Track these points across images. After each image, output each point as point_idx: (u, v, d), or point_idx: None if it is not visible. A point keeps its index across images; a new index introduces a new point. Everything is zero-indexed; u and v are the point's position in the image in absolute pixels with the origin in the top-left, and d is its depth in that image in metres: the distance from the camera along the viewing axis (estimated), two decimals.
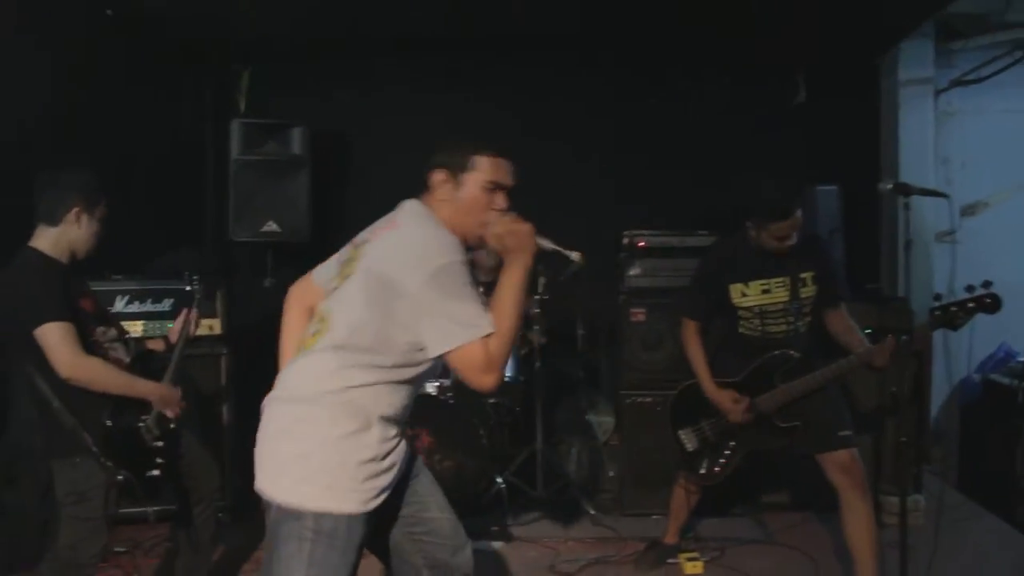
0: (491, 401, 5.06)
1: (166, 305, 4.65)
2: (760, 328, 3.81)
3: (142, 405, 3.22)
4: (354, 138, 6.09)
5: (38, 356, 2.99)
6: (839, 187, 5.54)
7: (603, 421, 5.83)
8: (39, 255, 3.12)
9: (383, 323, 2.26)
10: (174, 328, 3.56)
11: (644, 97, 6.04)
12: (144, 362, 3.40)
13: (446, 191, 2.47)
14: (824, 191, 5.52)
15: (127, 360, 3.27)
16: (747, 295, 3.79)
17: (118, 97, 4.98)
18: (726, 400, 3.82)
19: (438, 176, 2.48)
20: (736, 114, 5.93)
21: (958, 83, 6.02)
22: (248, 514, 4.65)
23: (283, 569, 2.22)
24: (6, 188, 4.03)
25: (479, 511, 4.84)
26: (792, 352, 3.76)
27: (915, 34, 5.82)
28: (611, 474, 5.27)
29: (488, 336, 2.22)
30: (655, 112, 5.99)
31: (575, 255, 2.61)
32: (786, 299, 3.76)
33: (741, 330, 3.85)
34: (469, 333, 2.21)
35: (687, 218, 5.12)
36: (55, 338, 2.96)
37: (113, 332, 3.29)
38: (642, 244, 4.92)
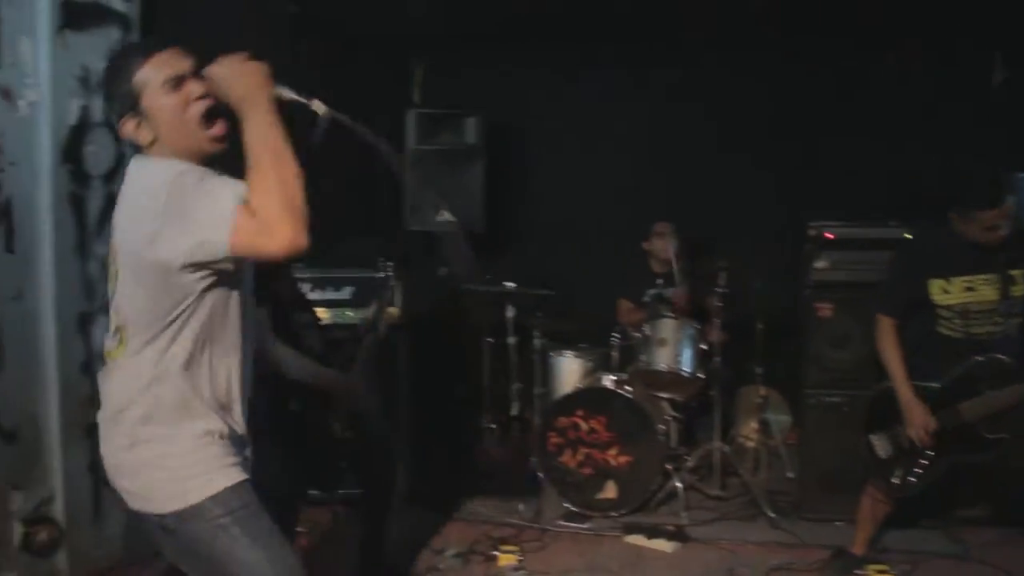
0: (666, 397, 4.94)
1: (346, 293, 4.68)
2: (963, 329, 3.54)
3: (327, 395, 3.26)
4: (529, 128, 6.08)
5: None
6: None
7: (780, 420, 5.62)
8: None
9: (161, 283, 1.99)
10: (368, 317, 3.59)
11: (827, 75, 5.75)
12: (336, 350, 3.43)
13: (144, 132, 2.05)
14: None
15: (319, 348, 3.31)
16: (949, 292, 3.53)
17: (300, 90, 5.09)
18: (919, 414, 3.55)
19: (127, 128, 2.06)
20: (929, 93, 5.57)
21: None
22: (424, 498, 4.72)
23: (233, 562, 2.07)
24: None
25: (654, 509, 4.75)
26: (1002, 356, 3.47)
27: None
28: (790, 475, 5.06)
29: (245, 203, 1.88)
30: (841, 93, 5.70)
31: (317, 104, 2.12)
32: (994, 298, 3.49)
33: (941, 330, 3.59)
34: (217, 213, 1.89)
35: (877, 208, 4.83)
36: None
37: (307, 317, 3.34)
38: (829, 235, 4.66)
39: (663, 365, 4.78)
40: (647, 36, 5.58)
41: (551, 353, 5.22)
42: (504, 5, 5.18)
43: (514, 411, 5.22)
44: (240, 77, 2.00)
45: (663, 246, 5.42)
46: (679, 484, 4.74)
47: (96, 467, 3.78)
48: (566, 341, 5.26)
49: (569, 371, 5.18)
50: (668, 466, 4.80)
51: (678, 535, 4.43)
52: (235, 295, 2.12)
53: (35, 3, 3.45)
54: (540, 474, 4.82)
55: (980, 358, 3.49)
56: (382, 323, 3.58)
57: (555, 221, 6.03)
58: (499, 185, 5.70)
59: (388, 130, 5.86)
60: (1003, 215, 3.34)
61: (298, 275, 4.68)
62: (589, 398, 4.77)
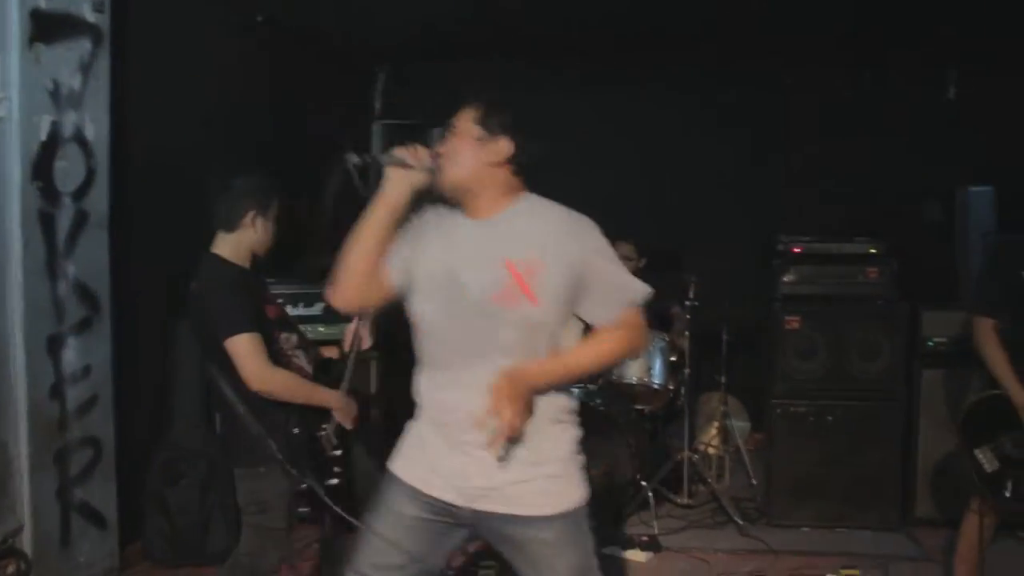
0: (638, 407, 4.98)
1: (317, 309, 4.61)
2: None
3: (322, 414, 3.21)
4: None
5: (224, 361, 2.97)
6: (994, 188, 5.29)
7: (740, 426, 5.71)
8: (223, 262, 3.10)
9: None
10: (347, 335, 3.53)
11: (796, 93, 5.89)
12: (324, 370, 3.37)
13: None
14: (977, 192, 5.31)
15: (309, 368, 3.26)
16: None
17: (266, 102, 5.05)
18: None
19: None
20: (883, 110, 5.72)
21: None
22: None
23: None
24: (176, 193, 4.16)
25: (626, 519, 4.78)
26: None
27: None
28: (754, 482, 5.15)
29: None
30: (811, 111, 5.82)
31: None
32: None
33: None
34: None
35: (845, 223, 4.95)
36: (245, 350, 2.93)
37: (295, 339, 3.27)
38: (797, 250, 4.76)
39: (634, 377, 4.82)
40: (615, 52, 5.61)
41: None
42: (473, 19, 5.16)
43: None
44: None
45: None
46: (650, 493, 4.78)
47: (65, 493, 3.66)
48: None
49: None
50: (638, 476, 4.83)
51: (651, 545, 4.48)
52: None
53: (5, 16, 3.30)
54: None
55: None
56: (362, 344, 3.51)
57: None
58: None
59: (353, 141, 5.82)
60: None
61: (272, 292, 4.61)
62: None
